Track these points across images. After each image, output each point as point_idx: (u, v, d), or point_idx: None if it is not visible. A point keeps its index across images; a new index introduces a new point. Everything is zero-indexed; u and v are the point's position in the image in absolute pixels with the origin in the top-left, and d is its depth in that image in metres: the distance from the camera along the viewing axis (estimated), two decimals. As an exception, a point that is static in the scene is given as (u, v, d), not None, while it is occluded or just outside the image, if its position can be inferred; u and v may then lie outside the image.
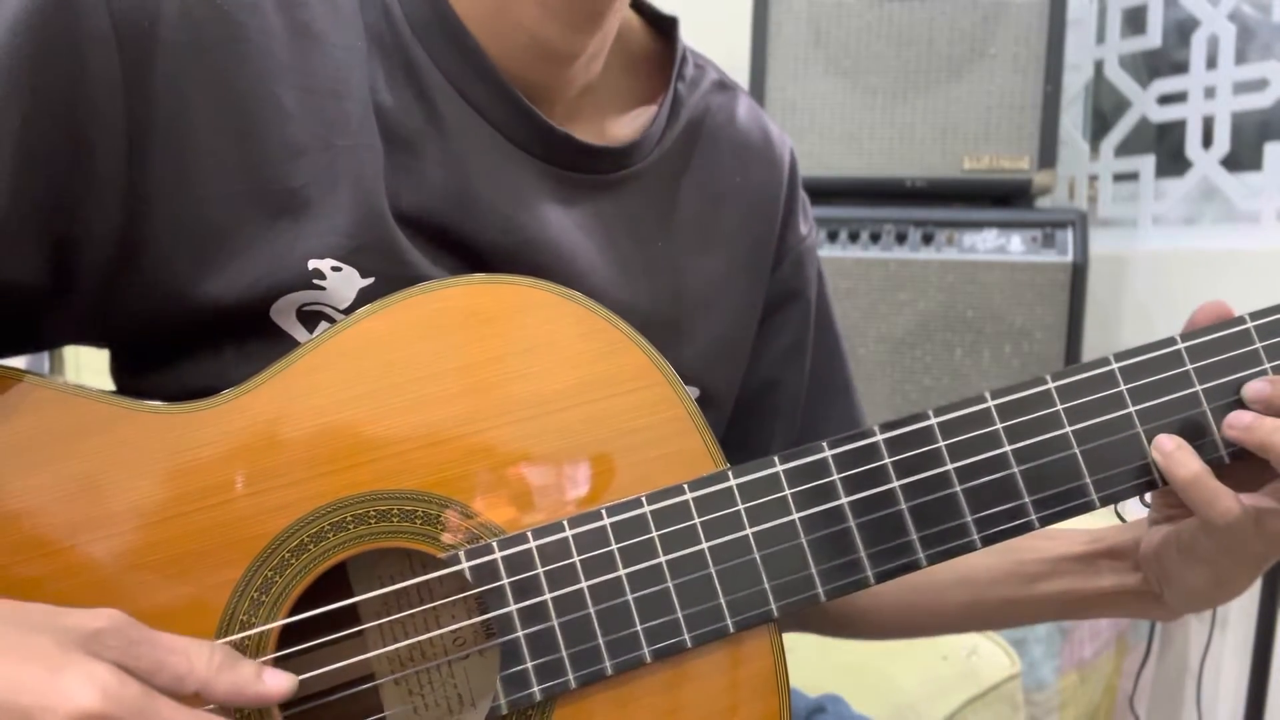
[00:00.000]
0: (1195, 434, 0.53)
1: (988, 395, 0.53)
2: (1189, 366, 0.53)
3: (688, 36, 0.73)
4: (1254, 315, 0.53)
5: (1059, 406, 0.53)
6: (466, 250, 0.59)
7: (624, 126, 0.67)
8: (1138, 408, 0.53)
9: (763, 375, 0.75)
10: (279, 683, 0.47)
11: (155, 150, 0.52)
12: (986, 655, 1.21)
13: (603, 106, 0.67)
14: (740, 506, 0.52)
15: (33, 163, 0.49)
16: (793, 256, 0.75)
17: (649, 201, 0.66)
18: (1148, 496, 0.57)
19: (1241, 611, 1.53)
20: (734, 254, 0.71)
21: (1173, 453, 0.53)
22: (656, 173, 0.67)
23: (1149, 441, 0.53)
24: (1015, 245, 1.48)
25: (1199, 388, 0.53)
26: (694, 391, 0.68)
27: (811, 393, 0.77)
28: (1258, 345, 0.53)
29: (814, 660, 1.13)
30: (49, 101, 0.49)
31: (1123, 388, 0.53)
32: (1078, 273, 1.45)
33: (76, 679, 0.40)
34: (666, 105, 0.67)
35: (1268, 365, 0.53)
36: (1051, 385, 0.53)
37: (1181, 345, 0.53)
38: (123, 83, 0.50)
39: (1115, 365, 0.53)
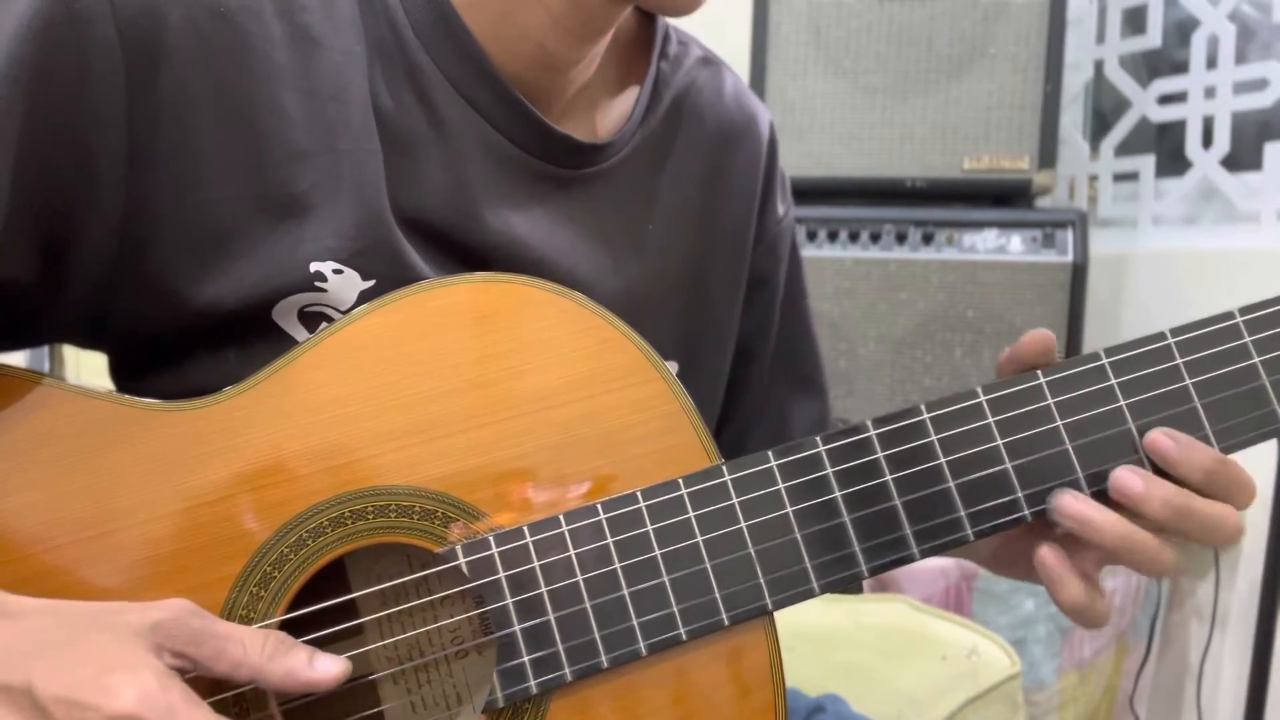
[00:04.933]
0: (1187, 429, 0.53)
1: (979, 389, 0.53)
2: (1179, 361, 0.53)
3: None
4: (1243, 310, 0.53)
5: (1050, 400, 0.53)
6: (467, 251, 0.59)
7: (612, 112, 0.68)
8: (1128, 401, 0.53)
9: (740, 348, 0.76)
10: (330, 668, 0.48)
11: (158, 156, 0.52)
12: (986, 655, 1.21)
13: (593, 96, 0.67)
14: (735, 500, 0.52)
15: (33, 165, 0.50)
16: (768, 239, 0.76)
17: (636, 185, 0.67)
18: None
19: (1241, 611, 1.53)
20: (717, 231, 0.72)
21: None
22: (642, 154, 0.67)
23: (1140, 435, 0.53)
24: (1015, 245, 1.49)
25: (1189, 382, 0.53)
26: (673, 366, 0.69)
27: (774, 377, 0.79)
28: (1247, 340, 0.53)
29: (814, 660, 1.14)
30: (51, 106, 0.49)
31: (1113, 382, 0.53)
32: (1078, 273, 1.45)
33: (122, 680, 0.42)
34: (649, 85, 0.68)
35: (1257, 360, 0.53)
36: (1043, 380, 0.53)
37: (1171, 340, 0.53)
38: (126, 90, 0.51)
39: (1105, 360, 0.53)
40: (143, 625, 0.44)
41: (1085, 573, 0.53)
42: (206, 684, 0.49)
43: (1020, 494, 0.52)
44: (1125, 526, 0.51)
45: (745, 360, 0.77)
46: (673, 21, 0.71)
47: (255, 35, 0.53)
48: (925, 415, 0.53)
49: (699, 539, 0.52)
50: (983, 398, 0.53)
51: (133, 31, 0.50)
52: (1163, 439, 0.52)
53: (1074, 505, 0.51)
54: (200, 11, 0.52)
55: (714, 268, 0.72)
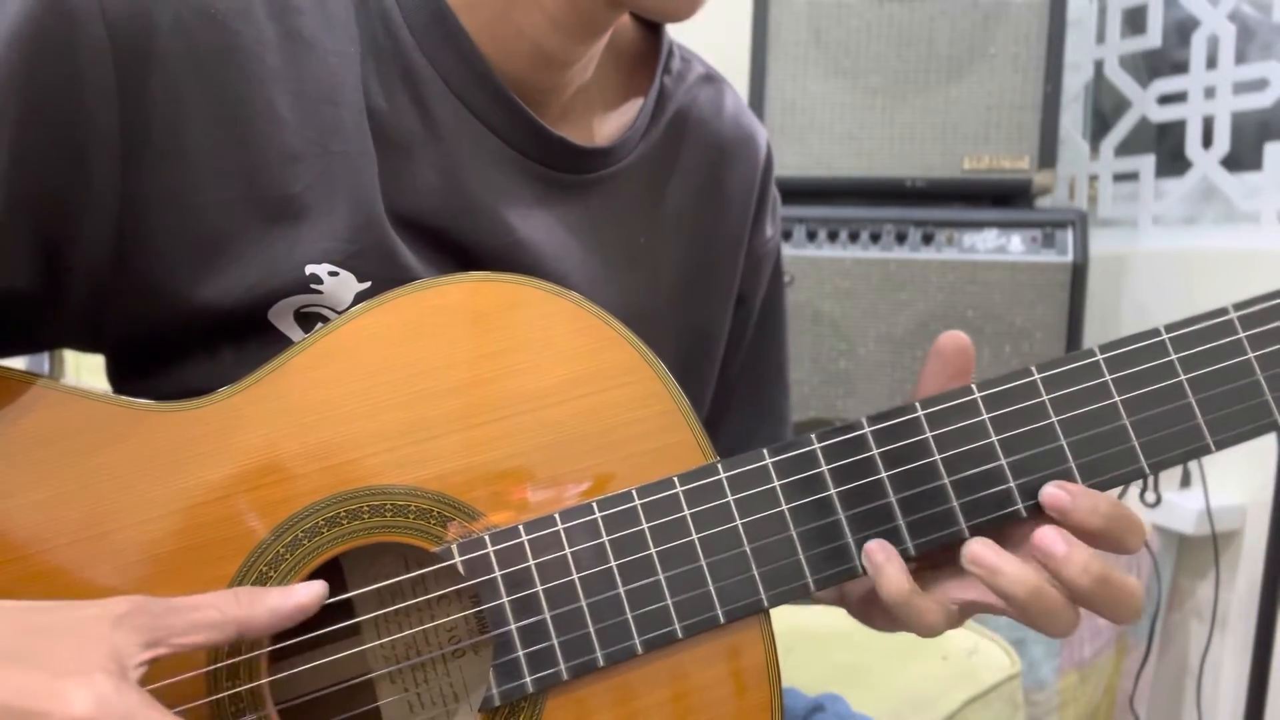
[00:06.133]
0: (1182, 423, 0.53)
1: (974, 386, 0.53)
2: (1173, 356, 0.53)
3: (687, 37, 0.73)
4: (1237, 306, 0.53)
5: (1045, 397, 0.53)
6: (461, 253, 0.59)
7: (612, 121, 0.68)
8: (1123, 397, 0.53)
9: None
10: (310, 589, 0.48)
11: (151, 158, 0.52)
12: (986, 655, 1.21)
13: (592, 103, 0.67)
14: (730, 498, 0.52)
15: (26, 169, 0.50)
16: (753, 259, 0.76)
17: (634, 196, 0.67)
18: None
19: (1241, 611, 1.53)
20: (711, 245, 0.72)
21: (883, 565, 0.51)
22: (642, 167, 0.67)
23: (1135, 431, 0.53)
24: (1015, 245, 1.49)
25: (1183, 377, 0.53)
26: None
27: (735, 395, 0.79)
28: (1241, 335, 0.53)
29: (813, 660, 1.14)
30: (43, 109, 0.49)
31: (1108, 378, 0.53)
32: (1078, 273, 1.45)
33: (76, 686, 0.41)
34: (652, 99, 0.68)
35: (1251, 355, 0.53)
36: (1037, 376, 0.53)
37: (1165, 336, 0.53)
38: (117, 92, 0.51)
39: (1100, 356, 0.53)
40: (103, 624, 0.43)
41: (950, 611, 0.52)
42: (203, 684, 0.49)
43: (1015, 490, 0.52)
44: (1036, 580, 0.49)
45: (723, 367, 0.77)
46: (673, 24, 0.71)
47: (246, 37, 0.53)
48: (920, 412, 0.53)
49: (694, 536, 0.52)
50: (977, 394, 0.53)
51: (123, 34, 0.50)
52: (1056, 491, 0.51)
53: (986, 555, 0.50)
54: (190, 14, 0.52)
55: (707, 281, 0.72)
